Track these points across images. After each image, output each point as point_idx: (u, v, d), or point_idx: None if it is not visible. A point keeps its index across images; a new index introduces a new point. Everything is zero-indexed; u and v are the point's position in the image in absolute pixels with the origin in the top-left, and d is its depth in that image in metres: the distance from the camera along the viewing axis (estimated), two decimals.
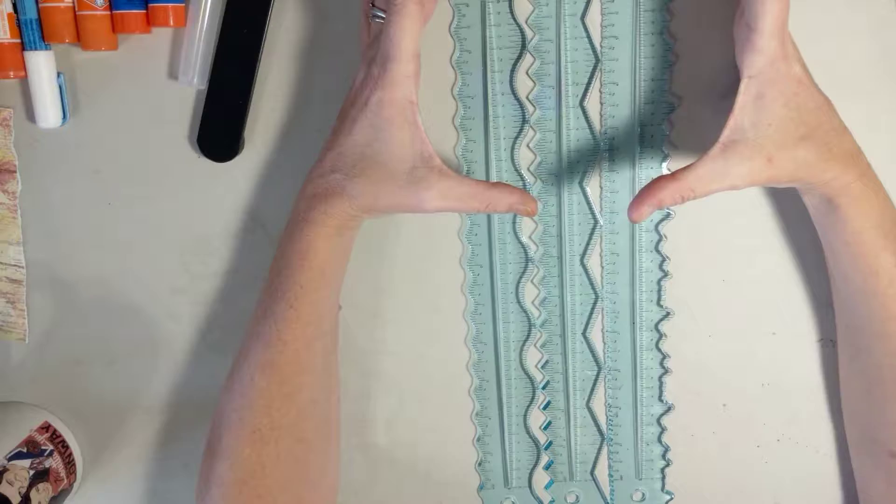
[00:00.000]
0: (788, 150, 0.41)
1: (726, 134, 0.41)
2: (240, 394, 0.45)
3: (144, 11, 0.47)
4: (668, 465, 0.51)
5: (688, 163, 0.47)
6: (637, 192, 0.42)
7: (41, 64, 0.47)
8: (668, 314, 0.49)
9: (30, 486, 0.46)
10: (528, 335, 0.50)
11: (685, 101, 0.47)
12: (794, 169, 0.41)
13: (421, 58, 0.48)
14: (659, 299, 0.49)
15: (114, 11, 0.47)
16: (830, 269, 0.46)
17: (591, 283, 0.49)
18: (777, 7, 0.39)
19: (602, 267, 0.49)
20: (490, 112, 0.48)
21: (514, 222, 0.49)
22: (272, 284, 0.45)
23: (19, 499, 0.45)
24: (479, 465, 0.52)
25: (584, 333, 0.50)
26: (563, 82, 0.47)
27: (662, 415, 0.50)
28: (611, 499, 0.51)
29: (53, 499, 0.48)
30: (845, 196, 0.42)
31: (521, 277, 0.49)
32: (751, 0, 0.39)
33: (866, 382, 0.46)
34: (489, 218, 0.49)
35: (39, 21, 0.47)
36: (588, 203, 0.49)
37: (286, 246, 0.45)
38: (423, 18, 0.41)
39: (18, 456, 0.46)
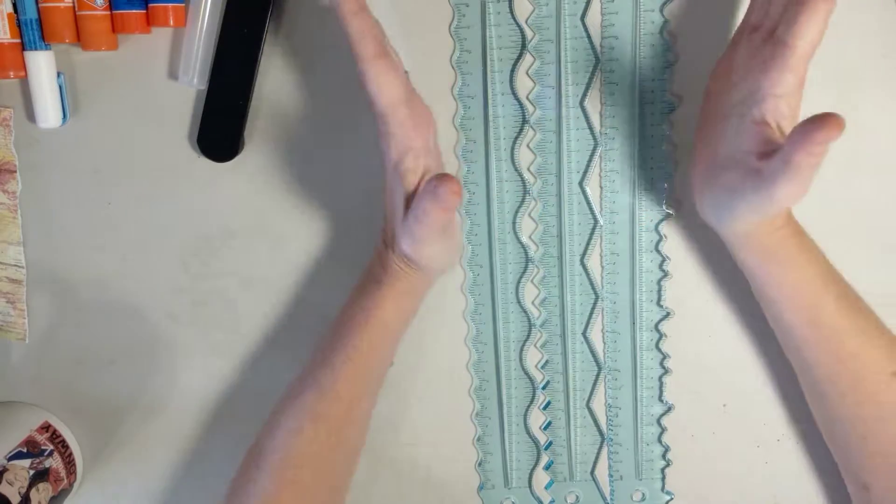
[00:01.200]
0: None
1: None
2: (284, 440, 0.45)
3: (144, 11, 0.47)
4: (668, 465, 0.51)
5: (687, 162, 0.47)
6: (638, 189, 0.42)
7: (41, 64, 0.47)
8: (668, 314, 0.49)
9: (30, 486, 0.46)
10: (528, 335, 0.50)
11: (685, 101, 0.47)
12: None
13: (421, 58, 0.48)
14: (659, 299, 0.49)
15: (114, 11, 0.47)
16: (771, 320, 0.46)
17: (591, 283, 0.49)
18: (818, 28, 0.38)
19: (602, 267, 0.49)
20: (490, 112, 0.48)
21: (513, 222, 0.49)
22: (335, 334, 0.46)
23: (19, 499, 0.45)
24: (479, 465, 0.52)
25: (584, 333, 0.50)
26: (563, 82, 0.47)
27: (662, 415, 0.50)
28: (611, 499, 0.51)
29: (53, 499, 0.48)
30: (784, 249, 0.42)
31: (521, 277, 0.49)
32: (790, 16, 0.38)
33: (828, 421, 0.46)
34: (489, 218, 0.49)
35: (39, 21, 0.47)
36: (588, 203, 0.49)
37: (355, 300, 0.46)
38: (391, 67, 0.41)
39: (18, 456, 0.46)
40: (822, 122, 0.35)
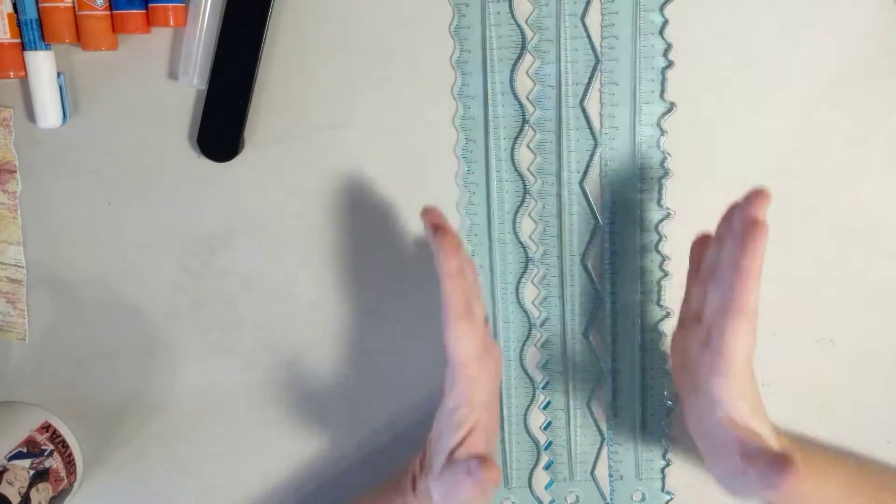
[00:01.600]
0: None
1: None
2: None
3: (144, 11, 0.47)
4: (668, 465, 0.51)
5: (686, 163, 0.47)
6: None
7: (41, 64, 0.47)
8: (668, 314, 0.49)
9: (30, 486, 0.46)
10: (528, 335, 0.50)
11: (685, 101, 0.47)
12: None
13: (421, 58, 0.48)
14: (659, 299, 0.49)
15: (114, 11, 0.47)
16: None
17: (592, 283, 0.49)
18: (747, 340, 0.39)
19: (602, 267, 0.49)
20: (490, 112, 0.48)
21: (513, 222, 0.49)
22: None
23: (19, 499, 0.45)
24: None
25: (583, 333, 0.50)
26: (563, 82, 0.47)
27: (663, 415, 0.50)
28: (611, 499, 0.51)
29: (53, 499, 0.48)
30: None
31: (521, 277, 0.49)
32: (720, 329, 0.39)
33: None
34: (489, 218, 0.49)
35: (39, 21, 0.47)
36: (588, 203, 0.49)
37: None
38: (477, 326, 0.41)
39: (18, 456, 0.46)
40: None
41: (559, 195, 0.48)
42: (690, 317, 0.43)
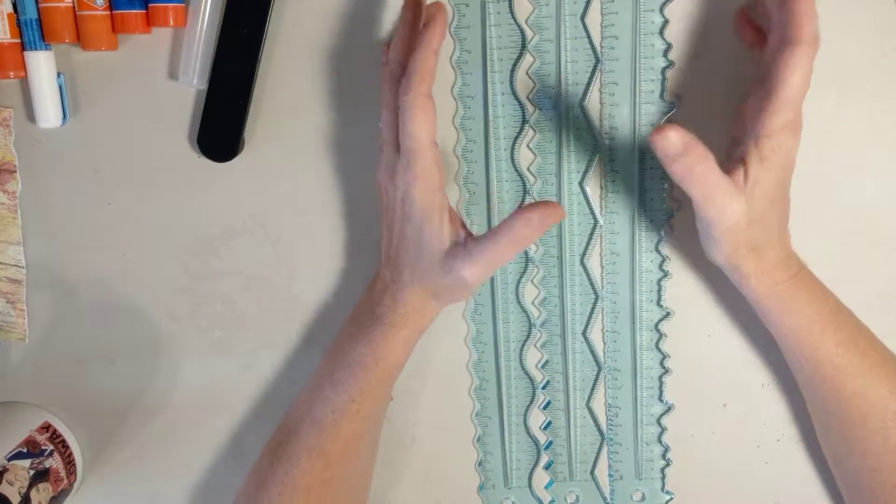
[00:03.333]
0: (759, 223, 0.42)
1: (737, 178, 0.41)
2: (283, 471, 0.45)
3: (144, 11, 0.47)
4: (668, 465, 0.51)
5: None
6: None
7: (41, 64, 0.47)
8: (668, 314, 0.49)
9: (30, 486, 0.46)
10: (528, 335, 0.50)
11: (685, 101, 0.47)
12: (752, 242, 0.42)
13: None
14: (659, 299, 0.49)
15: (114, 11, 0.47)
16: (781, 349, 0.47)
17: (592, 283, 0.49)
18: (798, 74, 0.39)
19: (602, 267, 0.49)
20: (490, 112, 0.48)
21: None
22: (336, 374, 0.45)
23: (19, 499, 0.45)
24: (479, 465, 0.52)
25: (584, 333, 0.50)
26: (563, 82, 0.47)
27: (662, 415, 0.50)
28: (611, 499, 0.51)
29: (53, 499, 0.48)
30: (772, 298, 0.44)
31: (521, 277, 0.49)
32: (773, 63, 0.39)
33: (837, 453, 0.47)
34: (489, 218, 0.49)
35: (39, 21, 0.47)
36: (588, 203, 0.49)
37: (358, 342, 0.45)
38: (434, 107, 0.42)
39: (18, 456, 0.46)
40: None
41: (559, 195, 0.48)
42: (758, 79, 0.42)
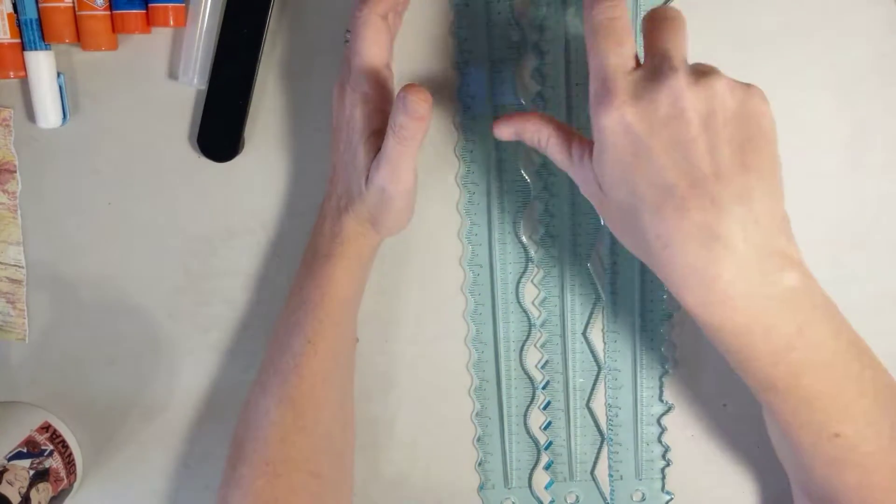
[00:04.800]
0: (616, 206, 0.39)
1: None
2: (255, 426, 0.45)
3: (144, 11, 0.47)
4: (668, 465, 0.51)
5: None
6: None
7: (41, 64, 0.47)
8: (669, 315, 0.49)
9: (30, 486, 0.46)
10: (528, 335, 0.50)
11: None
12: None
13: (421, 60, 0.48)
14: (661, 299, 0.49)
15: (114, 11, 0.47)
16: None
17: (592, 284, 0.49)
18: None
19: (603, 267, 0.49)
20: (491, 113, 0.48)
21: (514, 223, 0.49)
22: (290, 319, 0.45)
23: (19, 499, 0.45)
24: (479, 465, 0.52)
25: (584, 333, 0.50)
26: (564, 82, 0.47)
27: (662, 415, 0.50)
28: (611, 499, 0.51)
29: (53, 499, 0.48)
30: (770, 392, 0.38)
31: (521, 277, 0.49)
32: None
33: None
34: (489, 218, 0.49)
35: (39, 21, 0.47)
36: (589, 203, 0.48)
37: (305, 280, 0.45)
38: (388, 31, 0.42)
39: (18, 456, 0.46)
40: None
41: (560, 195, 0.48)
42: None
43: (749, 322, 0.35)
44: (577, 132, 0.40)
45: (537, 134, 0.41)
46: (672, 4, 0.36)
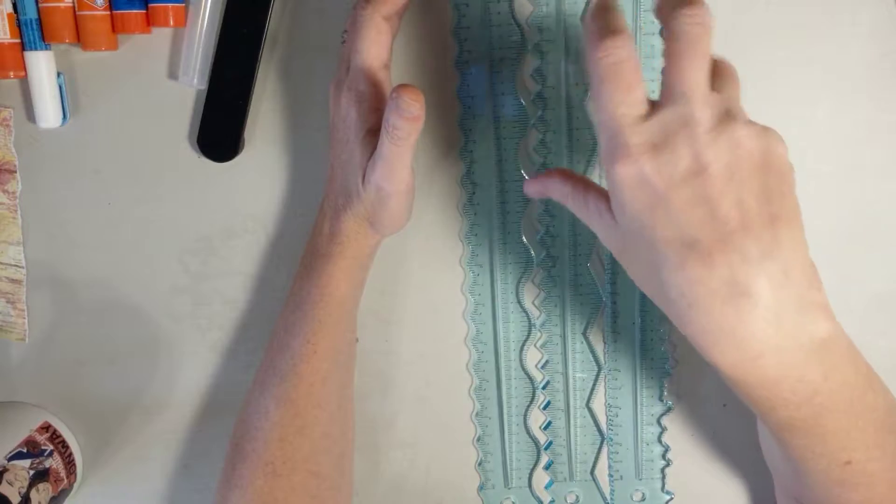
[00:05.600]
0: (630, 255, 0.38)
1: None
2: (254, 426, 0.45)
3: (144, 11, 0.47)
4: (668, 465, 0.51)
5: None
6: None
7: (41, 64, 0.47)
8: None
9: (30, 486, 0.46)
10: (529, 335, 0.50)
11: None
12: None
13: (421, 59, 0.48)
14: None
15: (114, 11, 0.47)
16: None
17: (592, 284, 0.49)
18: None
19: (603, 266, 0.49)
20: (491, 113, 0.48)
21: (514, 223, 0.49)
22: (289, 319, 0.45)
23: (19, 499, 0.45)
24: (479, 465, 0.52)
25: (584, 333, 0.50)
26: (564, 82, 0.47)
27: (662, 415, 0.50)
28: (611, 499, 0.51)
29: (53, 499, 0.48)
30: (786, 432, 0.37)
31: (521, 278, 0.49)
32: None
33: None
34: (489, 218, 0.49)
35: (39, 21, 0.47)
36: None
37: (304, 280, 0.45)
38: (390, 32, 0.42)
39: (18, 456, 0.46)
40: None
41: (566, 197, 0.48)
42: None
43: (779, 375, 0.34)
44: (594, 185, 0.39)
45: (559, 191, 0.40)
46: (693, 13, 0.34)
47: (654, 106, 0.35)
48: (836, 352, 0.35)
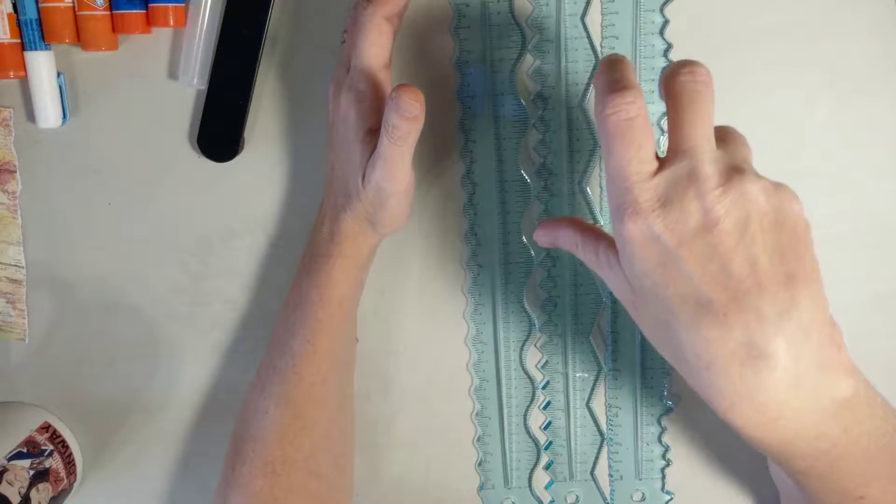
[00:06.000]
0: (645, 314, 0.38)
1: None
2: (254, 426, 0.45)
3: (144, 11, 0.47)
4: (668, 465, 0.51)
5: None
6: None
7: (41, 64, 0.47)
8: None
9: (30, 486, 0.46)
10: (529, 335, 0.50)
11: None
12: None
13: (421, 60, 0.48)
14: None
15: (114, 11, 0.47)
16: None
17: (592, 284, 0.49)
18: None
19: None
20: (491, 113, 0.48)
21: (515, 223, 0.49)
22: (288, 319, 0.45)
23: (19, 499, 0.45)
24: (479, 465, 0.52)
25: (584, 334, 0.50)
26: (563, 82, 0.47)
27: (663, 415, 0.50)
28: (611, 499, 0.51)
29: (53, 499, 0.48)
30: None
31: (521, 277, 0.49)
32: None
33: None
34: (489, 218, 0.49)
35: (39, 21, 0.47)
36: (588, 203, 0.48)
37: (304, 280, 0.45)
38: (390, 33, 0.42)
39: (18, 456, 0.46)
40: None
41: (561, 195, 0.48)
42: None
43: (797, 434, 0.34)
44: (605, 235, 0.38)
45: (570, 240, 0.40)
46: (687, 65, 0.34)
47: (661, 163, 0.34)
48: (857, 407, 0.34)
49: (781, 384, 0.32)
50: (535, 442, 0.51)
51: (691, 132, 0.34)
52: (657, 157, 0.35)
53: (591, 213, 0.49)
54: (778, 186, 0.34)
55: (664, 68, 0.36)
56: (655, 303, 0.34)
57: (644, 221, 0.33)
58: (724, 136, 0.36)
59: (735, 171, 0.33)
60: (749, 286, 0.32)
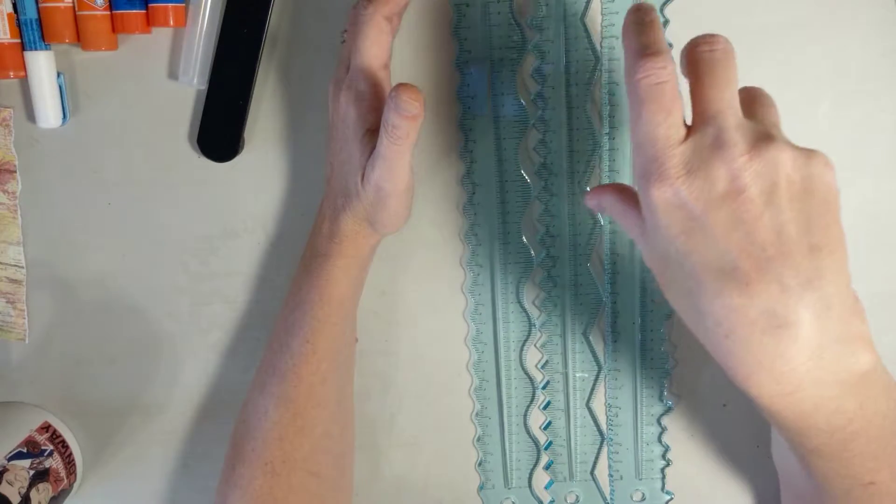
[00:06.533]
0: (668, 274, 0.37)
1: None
2: (254, 426, 0.45)
3: (144, 11, 0.47)
4: (668, 465, 0.51)
5: None
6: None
7: (41, 64, 0.47)
8: (669, 314, 0.49)
9: (30, 486, 0.46)
10: (529, 335, 0.50)
11: (684, 101, 0.47)
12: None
13: (421, 60, 0.48)
14: (660, 299, 0.49)
15: (114, 11, 0.47)
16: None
17: (592, 284, 0.49)
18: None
19: (603, 266, 0.49)
20: (491, 112, 0.48)
21: (515, 223, 0.49)
22: (288, 319, 0.45)
23: (19, 499, 0.45)
24: (479, 465, 0.52)
25: (584, 333, 0.50)
26: (563, 82, 0.47)
27: (662, 415, 0.50)
28: (611, 499, 0.51)
29: (53, 499, 0.48)
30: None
31: (521, 277, 0.49)
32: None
33: None
34: (489, 218, 0.49)
35: (39, 21, 0.47)
36: (594, 216, 0.48)
37: (303, 280, 0.45)
38: (390, 32, 0.42)
39: (18, 456, 0.46)
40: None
41: (560, 195, 0.48)
42: None
43: (815, 407, 0.34)
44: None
45: (613, 208, 0.39)
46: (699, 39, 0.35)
47: (688, 131, 0.34)
48: (874, 383, 0.34)
49: (802, 355, 0.32)
50: (535, 442, 0.51)
51: (713, 98, 0.34)
52: (685, 125, 0.34)
53: (591, 212, 0.49)
54: (809, 153, 0.33)
55: (684, 47, 0.35)
56: (680, 272, 0.34)
57: (670, 187, 0.33)
58: (752, 98, 0.36)
59: (763, 138, 0.33)
60: (773, 254, 0.32)
